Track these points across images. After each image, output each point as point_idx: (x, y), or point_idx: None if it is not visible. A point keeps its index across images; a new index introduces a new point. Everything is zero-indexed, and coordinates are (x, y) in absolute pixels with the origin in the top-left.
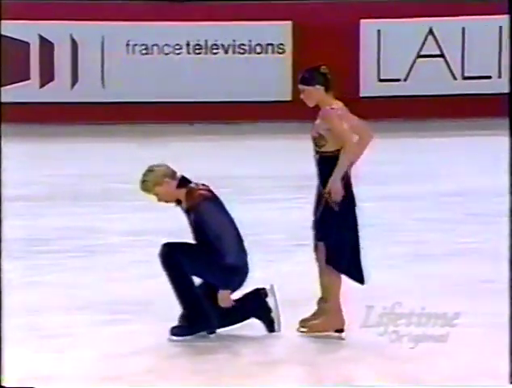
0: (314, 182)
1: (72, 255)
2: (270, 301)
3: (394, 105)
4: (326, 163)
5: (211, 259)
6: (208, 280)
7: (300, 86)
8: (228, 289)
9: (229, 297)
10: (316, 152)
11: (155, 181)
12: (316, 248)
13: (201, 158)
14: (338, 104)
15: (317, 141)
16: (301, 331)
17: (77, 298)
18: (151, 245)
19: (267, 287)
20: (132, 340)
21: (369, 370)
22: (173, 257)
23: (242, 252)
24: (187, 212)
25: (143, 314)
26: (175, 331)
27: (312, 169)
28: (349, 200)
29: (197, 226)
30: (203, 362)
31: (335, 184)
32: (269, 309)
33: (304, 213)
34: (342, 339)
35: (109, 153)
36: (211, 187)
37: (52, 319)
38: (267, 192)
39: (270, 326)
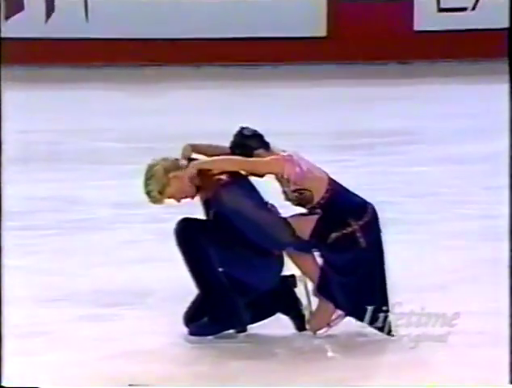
0: (358, 140)
1: (49, 233)
2: (300, 291)
3: (458, 41)
4: (331, 205)
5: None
6: (238, 275)
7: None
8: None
9: None
10: (313, 207)
11: (160, 185)
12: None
13: (209, 110)
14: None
15: (303, 198)
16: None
17: (54, 287)
18: (149, 220)
19: (297, 274)
20: (125, 340)
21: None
22: (193, 235)
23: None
24: (205, 204)
25: (138, 307)
26: (195, 330)
27: (355, 124)
28: (374, 245)
29: (223, 222)
30: (226, 367)
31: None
32: (298, 303)
33: (346, 180)
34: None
35: (95, 104)
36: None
37: (23, 314)
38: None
39: (300, 323)
